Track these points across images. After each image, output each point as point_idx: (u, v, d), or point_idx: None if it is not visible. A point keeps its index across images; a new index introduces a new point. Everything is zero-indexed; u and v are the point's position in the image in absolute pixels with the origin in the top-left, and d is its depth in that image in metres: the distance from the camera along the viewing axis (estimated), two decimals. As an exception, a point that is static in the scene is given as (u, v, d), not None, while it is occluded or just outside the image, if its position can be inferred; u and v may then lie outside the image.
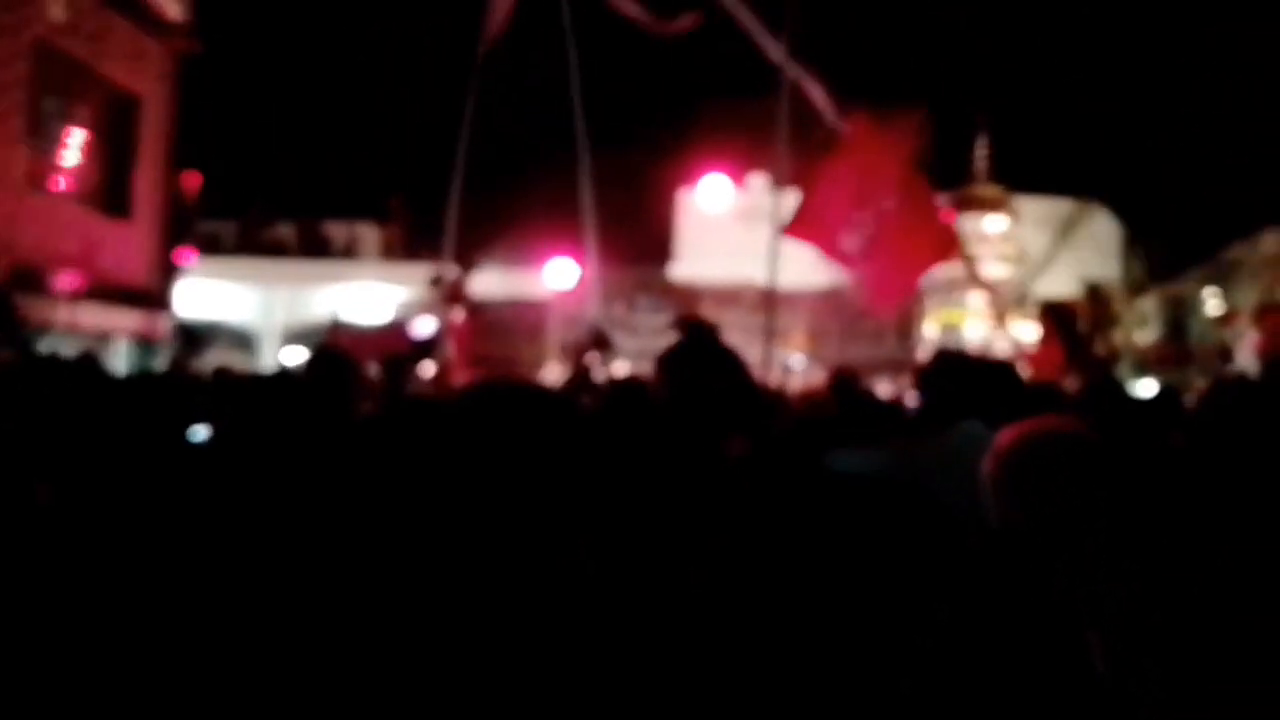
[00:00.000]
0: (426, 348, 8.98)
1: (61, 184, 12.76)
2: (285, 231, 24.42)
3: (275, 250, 23.56)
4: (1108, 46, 22.96)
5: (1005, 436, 2.21)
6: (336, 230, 24.09)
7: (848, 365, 7.47)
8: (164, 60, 14.94)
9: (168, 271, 15.46)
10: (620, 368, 11.36)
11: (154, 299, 14.94)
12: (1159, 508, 2.19)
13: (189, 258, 16.22)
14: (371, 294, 21.48)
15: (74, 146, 12.99)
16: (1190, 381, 16.57)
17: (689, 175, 20.62)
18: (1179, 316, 19.23)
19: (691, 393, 2.39)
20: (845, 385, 5.20)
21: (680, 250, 21.23)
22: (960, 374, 3.34)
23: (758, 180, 21.84)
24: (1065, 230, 21.06)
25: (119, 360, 14.03)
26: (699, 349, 2.60)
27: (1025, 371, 15.58)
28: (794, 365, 17.99)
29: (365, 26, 26.66)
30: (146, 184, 14.64)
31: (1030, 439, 2.19)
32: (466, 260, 11.61)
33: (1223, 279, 18.57)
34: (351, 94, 25.68)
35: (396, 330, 17.64)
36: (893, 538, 2.22)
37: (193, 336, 18.09)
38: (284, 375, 5.41)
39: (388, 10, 26.56)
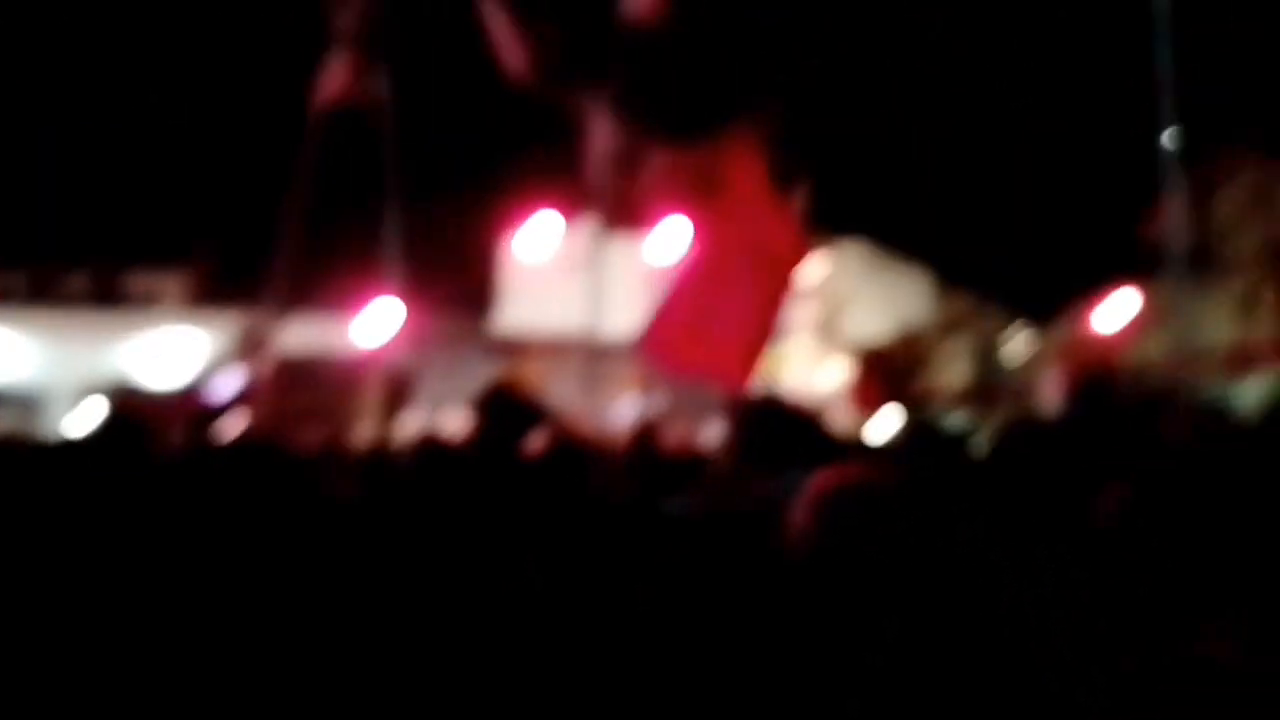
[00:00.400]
0: (230, 408, 8.35)
1: None
2: (79, 281, 22.83)
3: (69, 301, 21.99)
4: (920, 96, 24.10)
5: (813, 485, 2.23)
6: (136, 279, 22.67)
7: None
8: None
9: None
10: (453, 420, 10.94)
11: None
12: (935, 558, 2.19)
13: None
14: (173, 346, 20.28)
15: None
16: (999, 419, 17.32)
17: (510, 221, 20.37)
18: (987, 358, 20.13)
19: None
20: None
21: (504, 298, 20.90)
22: (779, 424, 3.40)
23: (582, 225, 21.83)
24: (881, 272, 21.83)
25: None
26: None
27: (843, 411, 15.99)
28: (627, 411, 17.76)
29: (164, 63, 25.43)
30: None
31: (834, 488, 2.22)
32: (275, 309, 10.96)
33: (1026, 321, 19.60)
34: (150, 134, 24.35)
35: (195, 394, 16.71)
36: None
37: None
38: (71, 446, 4.94)
39: (188, 47, 25.44)
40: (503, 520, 2.24)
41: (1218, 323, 16.09)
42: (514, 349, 19.70)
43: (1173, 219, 6.24)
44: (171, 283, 22.96)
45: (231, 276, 22.16)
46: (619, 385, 19.82)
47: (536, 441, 3.05)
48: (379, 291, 15.21)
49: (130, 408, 16.97)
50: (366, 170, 9.13)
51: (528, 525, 2.28)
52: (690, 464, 5.43)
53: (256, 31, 24.79)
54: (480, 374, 19.48)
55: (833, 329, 18.08)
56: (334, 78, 8.87)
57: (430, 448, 3.92)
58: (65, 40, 24.43)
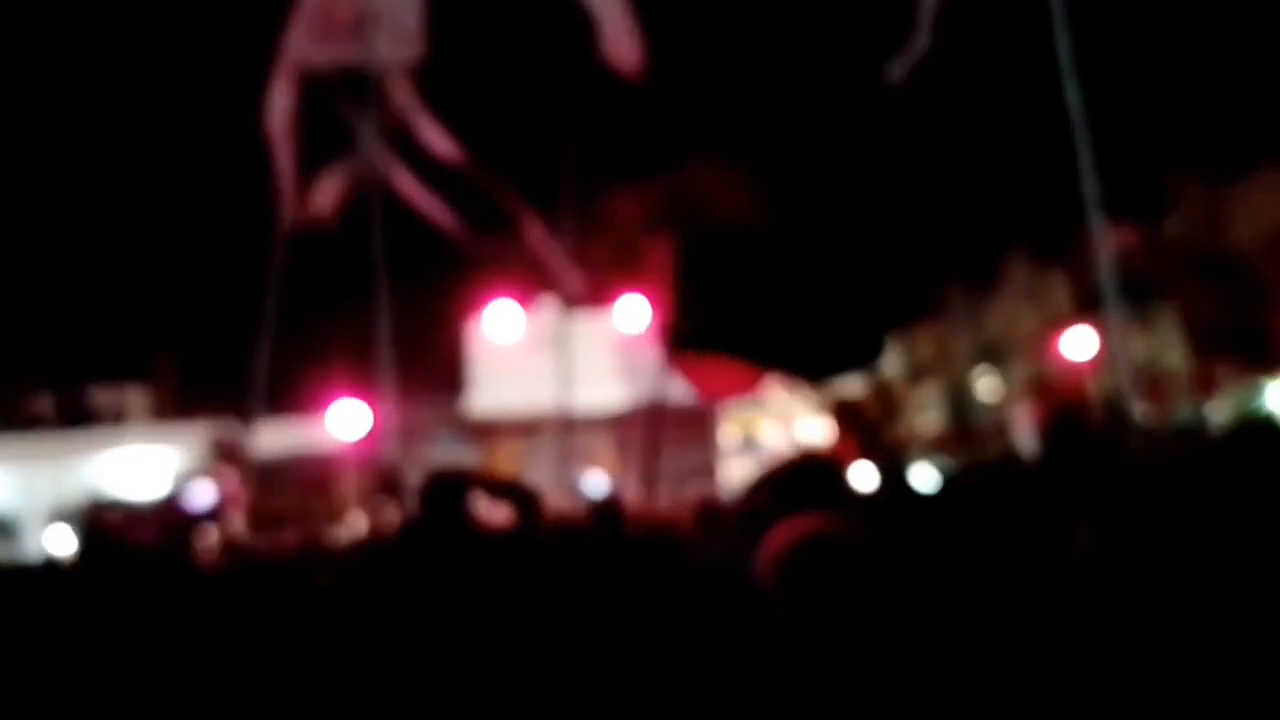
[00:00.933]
0: (206, 516, 8.31)
1: None
2: (44, 402, 22.56)
3: (34, 423, 21.69)
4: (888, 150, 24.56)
5: (775, 538, 2.18)
6: (101, 396, 22.44)
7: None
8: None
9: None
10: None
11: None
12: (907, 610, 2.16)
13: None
14: (142, 460, 20.03)
15: None
16: (971, 459, 17.44)
17: (476, 305, 20.41)
18: (957, 401, 20.29)
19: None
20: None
21: (474, 381, 20.88)
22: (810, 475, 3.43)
23: (547, 303, 21.90)
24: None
25: None
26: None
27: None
28: (592, 486, 17.82)
29: (121, 178, 25.47)
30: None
31: (798, 542, 2.16)
32: (246, 416, 10.94)
33: (992, 359, 19.82)
34: (106, 253, 24.30)
35: (170, 505, 16.50)
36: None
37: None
38: (51, 568, 4.90)
39: (145, 161, 25.52)
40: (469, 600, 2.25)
41: (1174, 348, 16.41)
42: (487, 431, 19.67)
43: (1104, 252, 6.42)
44: (135, 397, 22.76)
45: (193, 389, 22.02)
46: (591, 458, 19.80)
47: (498, 516, 3.07)
48: (349, 388, 15.20)
49: (106, 524, 16.77)
50: (329, 274, 9.22)
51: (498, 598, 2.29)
52: (656, 536, 5.47)
53: (212, 149, 24.95)
54: (457, 459, 19.34)
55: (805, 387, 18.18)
56: (325, 195, 9.10)
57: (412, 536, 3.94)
58: (19, 164, 24.45)
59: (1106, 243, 6.54)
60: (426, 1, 9.85)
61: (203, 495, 15.06)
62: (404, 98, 9.15)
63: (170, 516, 15.29)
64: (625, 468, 19.91)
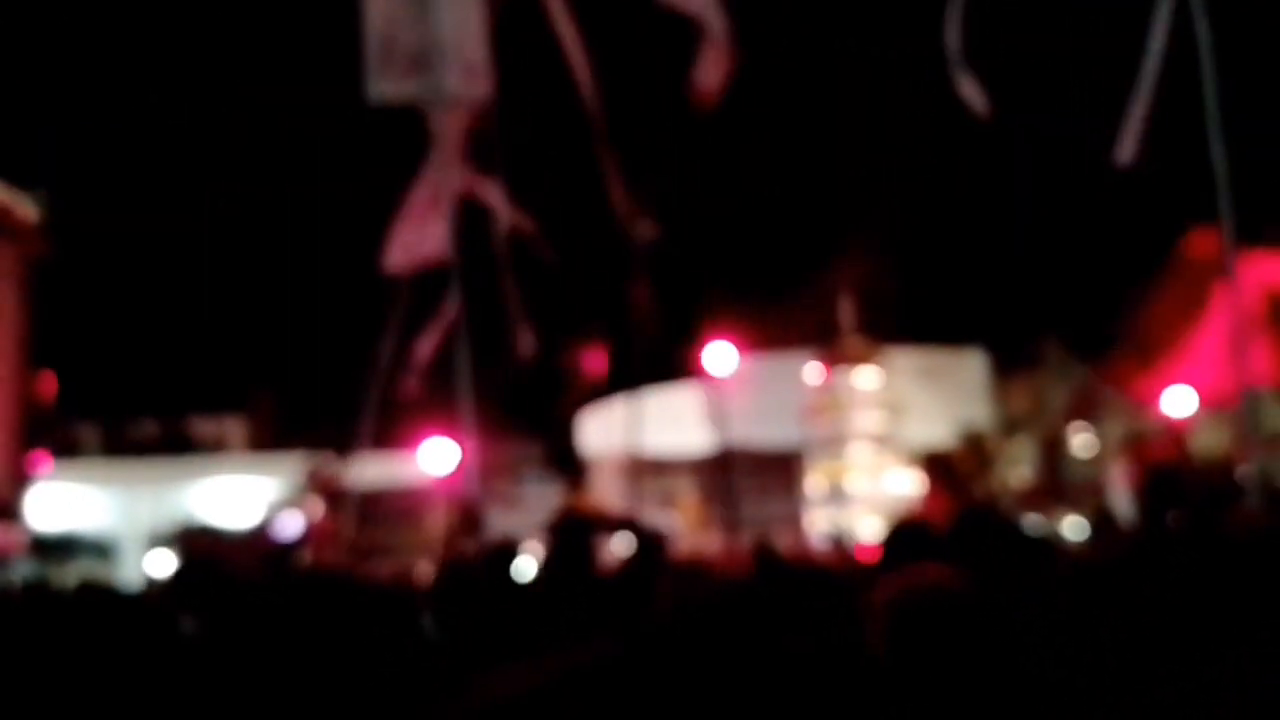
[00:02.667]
0: (295, 546, 8.53)
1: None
2: (149, 430, 23.41)
3: (139, 449, 22.50)
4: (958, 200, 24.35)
5: (883, 589, 2.20)
6: (202, 426, 23.21)
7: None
8: (15, 263, 14.46)
9: (21, 480, 14.55)
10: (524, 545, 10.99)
11: (6, 510, 13.99)
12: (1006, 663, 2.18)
13: (45, 464, 15.34)
14: (237, 489, 20.60)
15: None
16: (1068, 515, 16.99)
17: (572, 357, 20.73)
18: (1051, 456, 19.80)
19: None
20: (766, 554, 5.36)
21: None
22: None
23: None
24: (935, 377, 21.73)
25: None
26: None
27: (911, 517, 15.78)
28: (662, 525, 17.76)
29: (221, 221, 26.51)
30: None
31: (902, 592, 2.18)
32: (344, 449, 11.22)
33: (1090, 416, 19.32)
34: (212, 289, 25.27)
35: (262, 534, 16.91)
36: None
37: (50, 548, 16.95)
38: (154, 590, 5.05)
39: (241, 204, 26.54)
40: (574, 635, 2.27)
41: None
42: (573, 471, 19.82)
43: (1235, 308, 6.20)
44: (234, 429, 23.46)
45: (289, 423, 22.66)
46: (672, 501, 19.79)
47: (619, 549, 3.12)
48: (440, 426, 15.47)
49: (204, 548, 17.28)
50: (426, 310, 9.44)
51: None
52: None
53: (312, 193, 25.88)
54: (541, 497, 19.52)
55: (892, 437, 17.98)
56: (435, 234, 9.31)
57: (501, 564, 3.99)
58: (129, 202, 25.62)
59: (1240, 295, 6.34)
60: (494, 36, 9.86)
61: (292, 525, 15.45)
62: (453, 141, 9.22)
63: (263, 545, 15.69)
64: (708, 513, 19.87)
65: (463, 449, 10.63)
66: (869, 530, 13.28)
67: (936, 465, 19.40)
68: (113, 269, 22.68)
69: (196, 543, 18.57)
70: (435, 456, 16.91)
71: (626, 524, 2.87)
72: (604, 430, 15.40)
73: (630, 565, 2.92)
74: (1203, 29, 6.21)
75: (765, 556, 5.24)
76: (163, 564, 19.22)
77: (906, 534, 4.33)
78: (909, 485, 17.56)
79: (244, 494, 20.42)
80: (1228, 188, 5.98)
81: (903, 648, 2.10)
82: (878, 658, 2.16)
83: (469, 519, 6.36)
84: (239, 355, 24.95)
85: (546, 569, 2.57)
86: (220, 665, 3.00)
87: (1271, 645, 2.54)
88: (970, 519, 4.65)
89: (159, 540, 21.08)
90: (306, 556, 10.37)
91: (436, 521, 18.10)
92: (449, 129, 9.30)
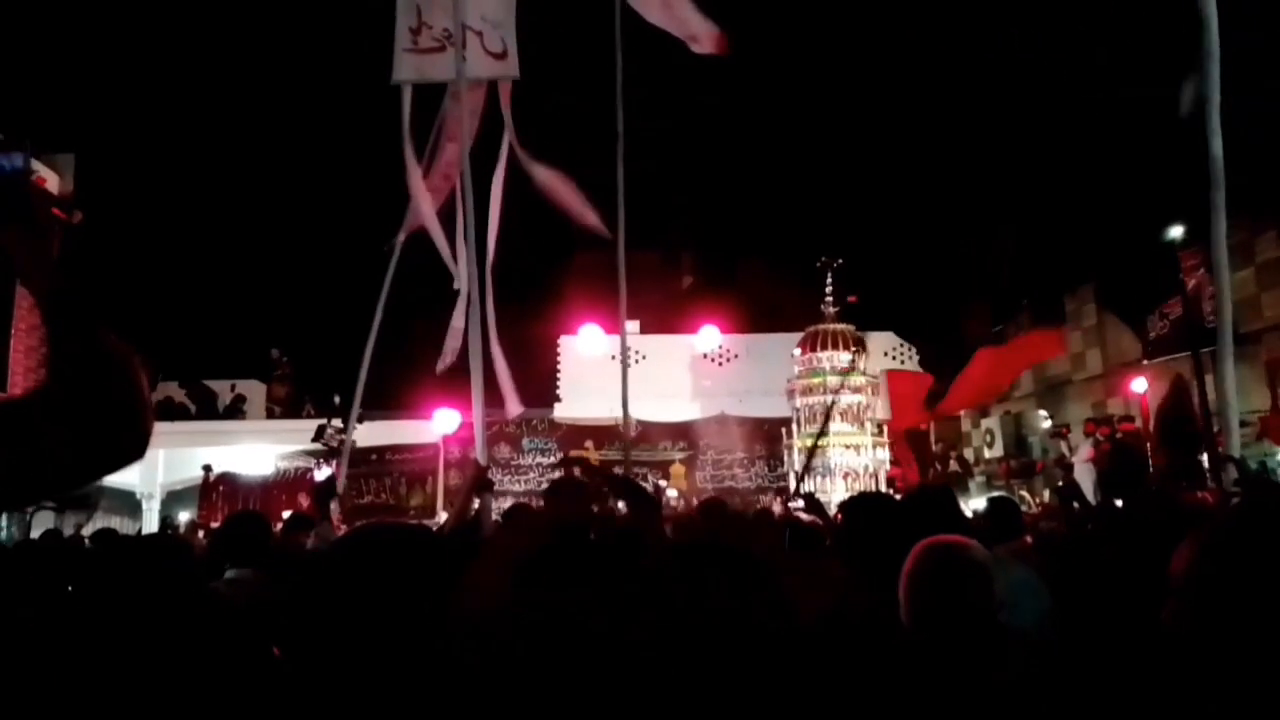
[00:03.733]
0: (330, 489, 8.63)
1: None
2: (169, 391, 23.39)
3: (162, 412, 22.48)
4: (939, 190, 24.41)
5: (917, 553, 2.40)
6: (221, 388, 23.19)
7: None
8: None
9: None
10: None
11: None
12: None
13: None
14: (255, 453, 20.64)
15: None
16: (1037, 491, 17.16)
17: (568, 323, 20.83)
18: (1019, 433, 19.96)
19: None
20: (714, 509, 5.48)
21: (564, 393, 21.18)
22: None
23: (630, 326, 22.17)
24: (909, 359, 21.86)
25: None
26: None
27: (886, 487, 15.96)
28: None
29: (241, 187, 26.42)
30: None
31: (925, 552, 2.39)
32: (346, 414, 11.28)
33: (1051, 400, 19.50)
34: (231, 253, 25.21)
35: (307, 476, 16.98)
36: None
37: (74, 500, 16.96)
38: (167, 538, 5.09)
39: (261, 170, 26.44)
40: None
41: (1245, 393, 15.94)
42: (573, 434, 19.92)
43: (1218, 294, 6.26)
44: (254, 391, 23.46)
45: (307, 388, 22.68)
46: (666, 471, 19.87)
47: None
48: (446, 393, 15.55)
49: (232, 495, 17.26)
50: (440, 279, 9.47)
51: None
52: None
53: (326, 163, 25.78)
54: (541, 463, 19.50)
55: (867, 414, 18.10)
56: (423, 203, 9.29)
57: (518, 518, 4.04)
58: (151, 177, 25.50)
59: (1224, 280, 6.37)
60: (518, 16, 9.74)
61: (320, 474, 15.57)
62: (473, 119, 9.12)
63: (299, 487, 15.81)
64: (693, 480, 20.02)
65: (468, 416, 10.71)
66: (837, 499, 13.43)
67: (909, 440, 19.55)
68: (137, 234, 22.60)
69: (214, 486, 18.66)
70: (443, 421, 17.03)
71: (622, 484, 2.93)
72: (597, 399, 15.47)
73: (625, 524, 2.99)
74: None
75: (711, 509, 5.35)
76: (181, 516, 19.36)
77: (864, 502, 4.47)
78: (883, 458, 17.71)
79: (261, 457, 20.48)
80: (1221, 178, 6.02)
81: (922, 603, 2.22)
82: (905, 613, 2.28)
83: (478, 479, 6.45)
84: (260, 319, 24.99)
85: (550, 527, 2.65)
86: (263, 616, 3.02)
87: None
88: (922, 494, 4.81)
89: (176, 496, 21.17)
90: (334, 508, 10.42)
91: (444, 482, 18.22)
92: (470, 108, 9.29)
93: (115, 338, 1.55)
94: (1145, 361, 16.99)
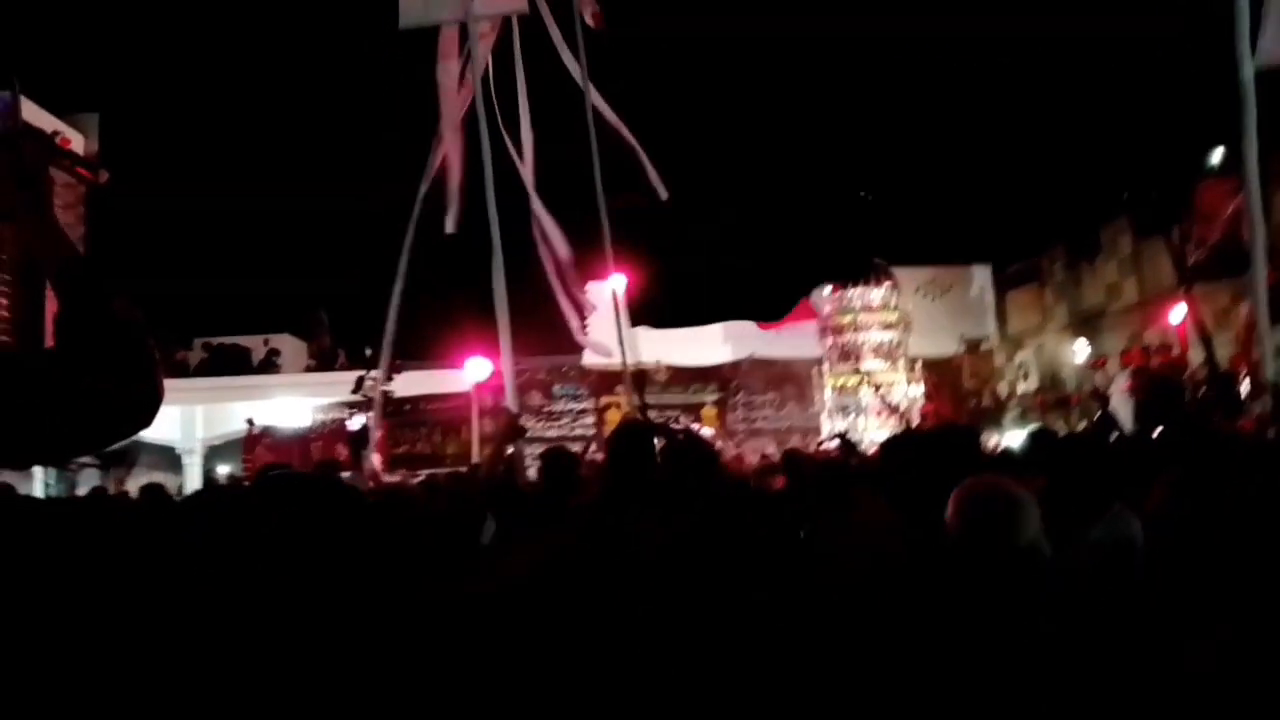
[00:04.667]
0: (365, 438, 8.77)
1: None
2: (203, 348, 23.67)
3: (197, 369, 22.78)
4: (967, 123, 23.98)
5: (957, 490, 2.45)
6: (255, 344, 23.43)
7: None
8: (72, 191, 14.53)
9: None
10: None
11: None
12: None
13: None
14: (291, 405, 20.89)
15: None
16: (1073, 424, 17.05)
17: (598, 269, 20.75)
18: (1054, 366, 19.79)
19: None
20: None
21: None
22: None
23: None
24: (942, 294, 21.69)
25: (36, 485, 13.34)
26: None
27: (918, 421, 15.92)
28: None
29: (268, 138, 26.42)
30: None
31: (969, 490, 2.44)
32: (384, 365, 11.38)
33: (1087, 331, 19.27)
34: (261, 209, 25.29)
35: (342, 427, 17.20)
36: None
37: (116, 456, 17.31)
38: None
39: (289, 120, 26.41)
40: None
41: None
42: (604, 379, 20.00)
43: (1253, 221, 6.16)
44: (289, 347, 23.68)
45: (342, 341, 22.86)
46: (699, 414, 19.95)
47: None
48: (479, 343, 15.63)
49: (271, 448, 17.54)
50: (470, 231, 9.47)
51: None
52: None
53: (355, 117, 25.71)
54: (573, 409, 19.64)
55: (900, 351, 18.02)
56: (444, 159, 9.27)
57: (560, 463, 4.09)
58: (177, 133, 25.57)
59: (1256, 205, 6.26)
60: None
61: (355, 423, 15.78)
62: (483, 61, 9.01)
63: (335, 438, 16.04)
64: (725, 422, 20.08)
65: (499, 364, 10.78)
66: (877, 437, 13.43)
67: (939, 376, 19.49)
68: (167, 191, 22.71)
69: (254, 442, 18.97)
70: (475, 370, 17.15)
71: (672, 431, 2.98)
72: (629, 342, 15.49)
73: (679, 468, 3.04)
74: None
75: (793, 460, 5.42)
76: (223, 470, 19.71)
77: (901, 442, 4.51)
78: (916, 395, 17.65)
79: (297, 411, 20.73)
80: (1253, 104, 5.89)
81: (966, 540, 2.27)
82: (950, 540, 2.33)
83: (511, 426, 6.50)
84: (293, 275, 25.14)
85: (611, 473, 2.67)
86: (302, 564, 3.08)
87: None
88: (950, 433, 4.82)
89: (216, 451, 21.53)
90: (371, 458, 10.59)
91: (478, 430, 18.38)
92: (482, 48, 9.20)
93: (125, 303, 1.59)
94: (1183, 290, 16.72)
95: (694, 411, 19.98)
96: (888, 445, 4.18)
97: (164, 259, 23.24)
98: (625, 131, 9.94)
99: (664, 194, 9.62)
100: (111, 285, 1.59)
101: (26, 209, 1.59)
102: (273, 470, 5.74)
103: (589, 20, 9.63)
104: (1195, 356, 15.12)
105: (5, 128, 1.62)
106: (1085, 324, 19.93)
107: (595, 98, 9.86)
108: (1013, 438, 14.19)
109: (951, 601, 2.14)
